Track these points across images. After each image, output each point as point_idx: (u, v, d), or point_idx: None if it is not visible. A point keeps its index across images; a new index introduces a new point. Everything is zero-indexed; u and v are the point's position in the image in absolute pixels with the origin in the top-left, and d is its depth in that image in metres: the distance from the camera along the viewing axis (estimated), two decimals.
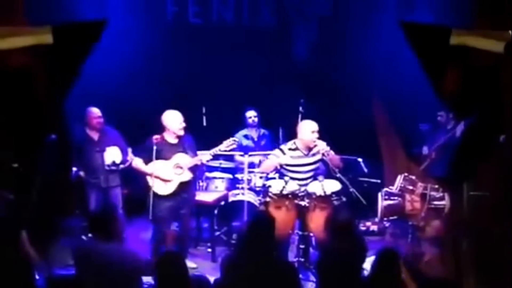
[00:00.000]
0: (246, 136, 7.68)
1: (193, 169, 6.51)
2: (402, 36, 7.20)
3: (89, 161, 6.87)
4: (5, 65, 6.44)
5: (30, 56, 6.65)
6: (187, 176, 6.43)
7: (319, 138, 6.31)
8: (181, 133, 6.41)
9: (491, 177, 6.32)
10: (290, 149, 6.37)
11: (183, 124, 6.40)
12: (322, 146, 6.24)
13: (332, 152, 6.29)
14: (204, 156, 6.48)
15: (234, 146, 6.61)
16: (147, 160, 6.33)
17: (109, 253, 4.44)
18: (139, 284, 4.59)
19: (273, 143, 7.49)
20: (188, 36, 8.18)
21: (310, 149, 6.34)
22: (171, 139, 6.43)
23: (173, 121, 6.38)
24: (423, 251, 6.51)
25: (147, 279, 5.24)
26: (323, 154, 6.27)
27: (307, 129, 6.32)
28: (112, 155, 6.81)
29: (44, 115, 6.69)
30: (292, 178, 6.36)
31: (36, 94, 6.74)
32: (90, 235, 6.22)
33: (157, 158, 6.29)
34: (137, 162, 6.43)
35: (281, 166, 6.42)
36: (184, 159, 6.40)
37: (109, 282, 4.36)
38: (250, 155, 7.29)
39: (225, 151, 6.59)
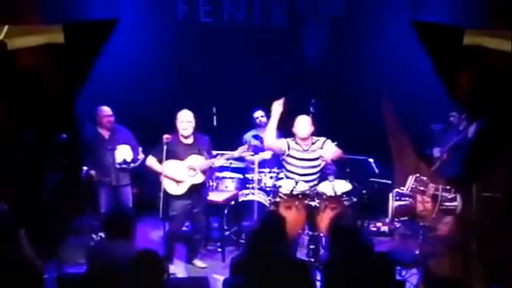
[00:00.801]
0: (255, 137, 7.65)
1: (206, 171, 6.52)
2: (415, 35, 7.20)
3: (100, 160, 6.86)
4: (17, 63, 6.49)
5: (42, 54, 6.71)
6: (200, 178, 6.43)
7: (325, 136, 6.33)
8: (185, 133, 6.36)
9: (504, 178, 6.28)
10: (292, 141, 6.40)
11: (187, 124, 6.36)
12: (325, 154, 6.26)
13: (333, 152, 6.29)
14: (218, 160, 6.50)
15: (249, 152, 6.65)
16: (159, 159, 6.33)
17: (122, 252, 4.38)
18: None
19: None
20: (199, 35, 8.17)
21: (308, 144, 6.36)
22: (184, 139, 6.42)
23: (179, 121, 6.38)
24: (433, 252, 6.48)
25: None
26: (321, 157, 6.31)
27: (300, 123, 6.35)
28: (123, 153, 6.80)
29: (56, 114, 6.74)
30: (293, 173, 6.37)
31: (48, 92, 6.79)
32: (102, 234, 6.29)
33: (168, 158, 6.27)
34: (151, 161, 6.43)
35: (283, 154, 6.42)
36: (198, 161, 6.40)
37: (121, 281, 4.30)
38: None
39: (240, 156, 6.66)
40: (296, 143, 6.38)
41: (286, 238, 4.44)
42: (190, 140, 6.45)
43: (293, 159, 6.38)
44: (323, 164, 6.47)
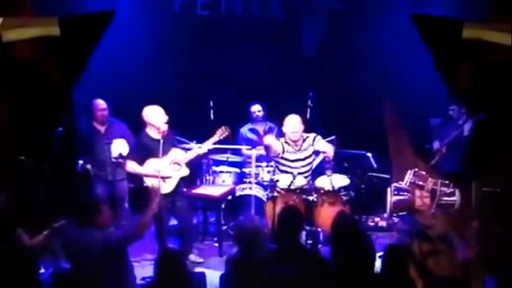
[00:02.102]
0: (251, 130, 7.65)
1: (190, 163, 6.44)
2: (414, 29, 7.16)
3: (96, 154, 6.86)
4: (12, 56, 6.46)
5: (37, 47, 6.67)
6: (186, 171, 6.37)
7: (323, 129, 6.45)
8: (165, 127, 6.24)
9: (503, 173, 6.27)
10: (285, 142, 6.46)
11: (166, 118, 6.27)
12: (327, 150, 6.28)
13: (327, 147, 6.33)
14: (200, 149, 6.41)
15: (226, 133, 6.55)
16: (139, 161, 6.24)
17: (94, 239, 4.60)
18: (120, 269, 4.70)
19: (279, 136, 7.41)
20: (196, 28, 8.17)
21: (299, 144, 6.39)
22: (155, 135, 6.28)
23: (155, 116, 6.26)
24: (432, 248, 6.47)
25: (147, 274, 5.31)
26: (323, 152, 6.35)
27: (290, 124, 6.38)
28: (119, 147, 6.75)
29: (51, 108, 6.70)
30: (287, 173, 6.39)
31: (43, 86, 6.76)
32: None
33: (147, 157, 6.21)
34: (132, 165, 6.32)
35: (277, 156, 6.47)
36: (180, 155, 6.32)
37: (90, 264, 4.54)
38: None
39: (219, 140, 6.55)
40: (288, 144, 6.41)
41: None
42: (159, 136, 6.22)
43: (287, 161, 6.43)
44: (318, 160, 6.48)
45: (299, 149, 6.41)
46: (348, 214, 5.66)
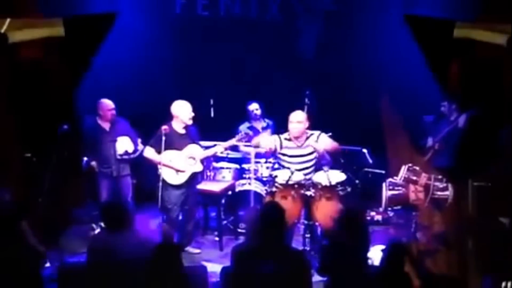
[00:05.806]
0: (249, 128, 7.75)
1: (203, 160, 6.67)
2: (407, 29, 7.32)
3: (101, 151, 6.95)
4: (18, 56, 6.61)
5: (43, 47, 6.82)
6: (199, 167, 6.58)
7: (319, 127, 6.43)
8: (190, 122, 6.51)
9: (494, 168, 6.41)
10: (285, 139, 6.45)
11: (192, 114, 6.51)
12: (315, 145, 6.35)
13: (327, 144, 6.39)
14: (218, 148, 6.65)
15: (246, 139, 6.75)
16: (157, 150, 6.44)
17: (121, 243, 4.63)
18: None
19: (275, 133, 7.47)
20: (196, 29, 8.27)
21: (302, 140, 6.41)
22: (179, 128, 6.53)
23: (183, 110, 6.49)
24: (426, 242, 6.61)
25: None
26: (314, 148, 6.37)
27: (293, 121, 6.40)
28: (124, 144, 6.89)
29: (57, 106, 6.85)
30: (285, 168, 6.46)
31: (49, 85, 6.90)
32: (102, 223, 6.37)
33: (166, 148, 6.39)
34: (149, 152, 6.51)
35: (275, 152, 6.49)
36: (197, 151, 6.54)
37: (121, 271, 4.50)
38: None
39: (238, 142, 6.79)
40: (289, 140, 6.42)
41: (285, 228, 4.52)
42: (183, 130, 6.55)
43: (286, 157, 6.44)
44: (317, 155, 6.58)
45: (301, 146, 6.45)
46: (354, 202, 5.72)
